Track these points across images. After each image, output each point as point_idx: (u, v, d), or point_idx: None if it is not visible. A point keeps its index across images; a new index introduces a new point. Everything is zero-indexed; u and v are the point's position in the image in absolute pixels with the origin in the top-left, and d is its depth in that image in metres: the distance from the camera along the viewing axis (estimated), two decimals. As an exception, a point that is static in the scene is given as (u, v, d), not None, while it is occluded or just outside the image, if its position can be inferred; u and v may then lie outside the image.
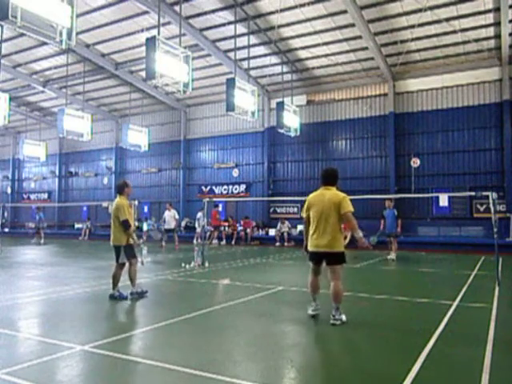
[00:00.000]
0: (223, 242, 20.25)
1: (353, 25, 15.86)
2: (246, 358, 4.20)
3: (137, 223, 17.21)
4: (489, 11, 14.83)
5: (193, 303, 6.63)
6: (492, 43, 16.63)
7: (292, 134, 19.62)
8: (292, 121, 19.43)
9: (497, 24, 15.30)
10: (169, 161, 25.56)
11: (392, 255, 12.95)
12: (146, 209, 25.58)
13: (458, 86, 18.38)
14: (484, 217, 16.87)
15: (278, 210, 21.94)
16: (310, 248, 5.58)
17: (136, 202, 12.21)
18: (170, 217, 16.73)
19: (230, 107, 15.09)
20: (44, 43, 17.35)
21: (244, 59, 17.99)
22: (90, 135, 19.60)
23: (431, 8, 14.70)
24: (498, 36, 15.94)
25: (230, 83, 15.09)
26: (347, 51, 18.12)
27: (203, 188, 24.10)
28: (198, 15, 16.39)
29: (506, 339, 4.74)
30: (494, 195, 8.70)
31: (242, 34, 16.71)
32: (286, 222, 19.54)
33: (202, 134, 24.61)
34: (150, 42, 12.11)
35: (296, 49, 18.50)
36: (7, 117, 16.04)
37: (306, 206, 5.69)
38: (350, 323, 5.29)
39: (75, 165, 29.52)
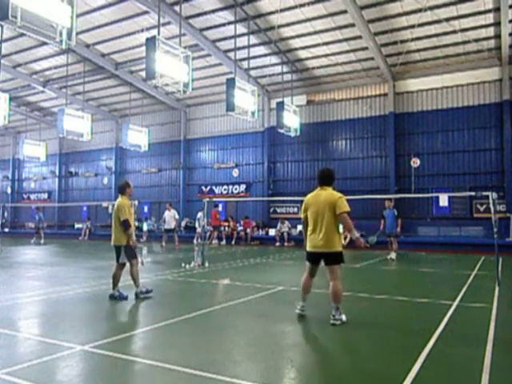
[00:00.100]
0: (223, 242, 20.25)
1: (353, 25, 15.86)
2: (246, 358, 4.20)
3: (137, 223, 17.26)
4: (489, 11, 14.83)
5: (193, 303, 6.63)
6: (492, 43, 16.63)
7: (292, 134, 19.62)
8: (292, 121, 19.43)
9: (497, 24, 15.30)
10: (169, 161, 25.56)
11: (392, 255, 12.97)
12: (146, 209, 25.59)
13: (458, 86, 18.38)
14: (484, 217, 16.87)
15: (278, 210, 21.94)
16: (307, 248, 5.59)
17: (136, 202, 12.21)
18: (170, 217, 16.72)
19: (230, 107, 15.09)
20: (44, 43, 17.35)
21: (244, 59, 17.99)
22: (90, 135, 19.61)
23: (431, 8, 14.70)
24: (498, 36, 15.95)
25: (230, 83, 15.09)
26: (347, 51, 18.12)
27: (203, 188, 24.10)
28: (198, 15, 16.39)
29: (506, 339, 4.74)
30: (494, 195, 8.70)
31: (242, 34, 16.71)
32: (286, 222, 19.53)
33: (202, 134, 24.61)
34: (150, 42, 12.12)
35: (296, 49, 18.50)
36: (7, 117, 16.04)
37: (303, 206, 5.71)
38: (350, 323, 5.29)
39: (75, 165, 29.52)
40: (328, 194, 5.46)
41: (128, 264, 6.95)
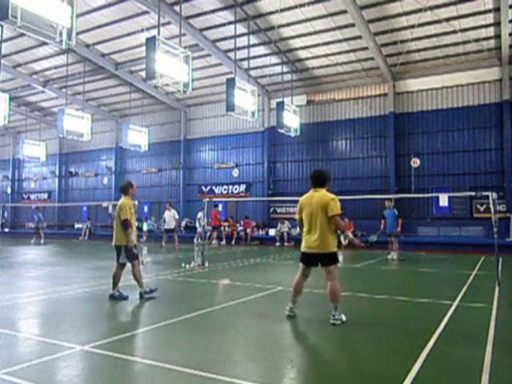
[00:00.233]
0: (223, 242, 20.25)
1: (353, 25, 15.86)
2: (246, 358, 4.20)
3: (137, 223, 17.24)
4: (489, 11, 14.83)
5: (193, 303, 6.63)
6: (492, 43, 16.63)
7: (292, 134, 19.62)
8: (292, 121, 19.43)
9: (497, 24, 15.30)
10: (169, 161, 25.56)
11: (392, 255, 12.97)
12: (146, 209, 25.59)
13: (458, 86, 18.38)
14: (484, 217, 16.87)
15: (278, 210, 21.94)
16: (302, 248, 5.61)
17: (136, 202, 12.19)
18: (170, 217, 16.72)
19: (230, 107, 15.09)
20: (44, 43, 17.36)
21: (244, 59, 17.99)
22: (90, 135, 19.60)
23: (431, 8, 14.71)
24: (498, 36, 15.95)
25: (230, 83, 15.09)
26: (347, 51, 18.12)
27: (203, 188, 24.10)
28: (198, 15, 16.39)
29: (506, 339, 4.74)
30: (494, 195, 8.70)
31: (242, 34, 16.71)
32: (286, 222, 19.53)
33: (202, 134, 24.62)
34: (150, 42, 12.12)
35: (296, 49, 18.50)
36: (7, 117, 16.03)
37: (298, 208, 5.76)
38: (350, 323, 5.29)
39: (75, 165, 29.52)
40: (321, 195, 5.48)
41: (130, 265, 6.94)
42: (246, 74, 19.10)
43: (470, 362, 3.99)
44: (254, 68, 19.89)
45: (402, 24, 15.97)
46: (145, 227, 22.27)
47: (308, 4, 15.23)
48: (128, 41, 18.46)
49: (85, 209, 28.08)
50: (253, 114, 16.20)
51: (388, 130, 19.43)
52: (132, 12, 16.35)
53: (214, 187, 23.79)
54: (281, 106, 18.45)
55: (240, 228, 20.93)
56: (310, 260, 5.51)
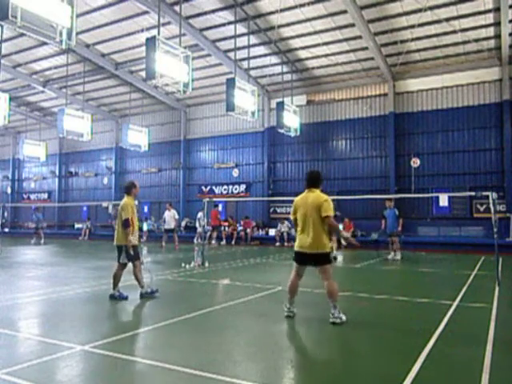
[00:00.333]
0: (223, 242, 20.25)
1: (353, 25, 15.85)
2: (246, 358, 4.20)
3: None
4: (489, 11, 14.83)
5: (193, 303, 6.63)
6: (492, 43, 16.63)
7: (292, 134, 19.62)
8: (292, 121, 19.43)
9: (497, 24, 15.30)
10: (169, 161, 25.56)
11: (392, 255, 12.98)
12: (146, 209, 25.59)
13: (458, 86, 18.38)
14: (484, 217, 16.86)
15: (278, 210, 21.93)
16: (295, 248, 5.64)
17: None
18: (170, 217, 16.72)
19: (230, 107, 15.09)
20: (44, 43, 17.36)
21: (244, 59, 17.99)
22: (90, 135, 19.60)
23: (431, 8, 14.70)
24: (498, 36, 15.94)
25: (230, 83, 15.09)
26: (347, 51, 18.12)
27: (203, 188, 24.10)
28: (198, 15, 16.39)
29: (506, 339, 4.74)
30: (494, 195, 8.70)
31: (242, 34, 16.71)
32: (286, 222, 19.51)
33: (202, 134, 24.61)
34: (150, 42, 12.11)
35: (296, 49, 18.50)
36: (7, 117, 16.02)
37: (293, 208, 5.78)
38: (350, 323, 5.29)
39: (75, 165, 29.52)
40: (315, 196, 5.51)
41: (131, 265, 6.94)
42: (245, 74, 19.09)
43: (470, 362, 4.00)
44: (253, 68, 19.89)
45: (401, 24, 15.97)
46: (145, 227, 22.27)
47: (308, 4, 15.23)
48: (128, 41, 18.46)
49: (85, 209, 28.07)
50: (253, 113, 16.20)
51: (388, 130, 19.43)
52: (132, 12, 16.35)
53: (213, 187, 23.78)
54: (281, 106, 18.44)
55: (240, 228, 20.93)
56: (303, 259, 5.54)
